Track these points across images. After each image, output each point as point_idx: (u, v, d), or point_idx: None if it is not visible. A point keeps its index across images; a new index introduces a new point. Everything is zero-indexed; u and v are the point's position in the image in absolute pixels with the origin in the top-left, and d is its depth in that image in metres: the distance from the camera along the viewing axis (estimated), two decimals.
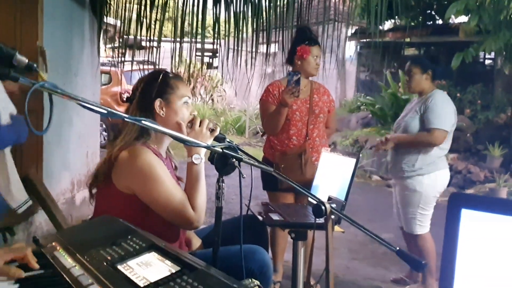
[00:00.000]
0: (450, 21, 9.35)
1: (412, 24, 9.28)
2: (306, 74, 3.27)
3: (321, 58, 3.39)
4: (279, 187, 3.19)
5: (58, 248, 1.31)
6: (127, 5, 4.78)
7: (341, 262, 4.31)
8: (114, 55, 5.05)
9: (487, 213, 0.72)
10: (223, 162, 1.46)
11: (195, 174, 1.84)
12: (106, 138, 9.45)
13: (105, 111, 1.08)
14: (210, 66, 16.62)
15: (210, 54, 15.90)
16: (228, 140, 1.74)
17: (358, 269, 4.22)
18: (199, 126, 1.85)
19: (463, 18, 8.74)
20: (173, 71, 4.62)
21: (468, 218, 0.73)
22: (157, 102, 1.91)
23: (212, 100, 15.44)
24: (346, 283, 3.84)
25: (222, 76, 13.89)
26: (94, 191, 1.95)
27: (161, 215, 1.81)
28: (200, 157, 1.82)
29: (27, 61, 0.98)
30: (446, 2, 9.22)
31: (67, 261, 1.22)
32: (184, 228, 1.94)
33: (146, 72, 4.52)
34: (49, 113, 1.01)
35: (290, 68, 3.37)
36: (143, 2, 4.57)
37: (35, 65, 0.99)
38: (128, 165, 1.81)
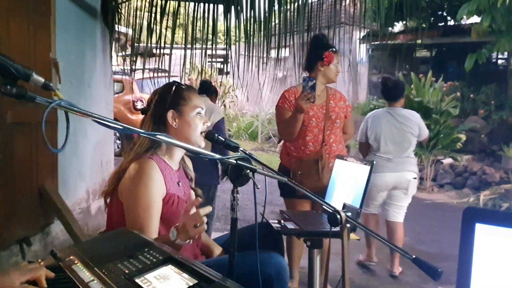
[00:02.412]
0: (462, 21, 9.29)
1: (423, 25, 9.23)
2: (327, 80, 3.27)
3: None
4: (295, 194, 3.18)
5: (76, 261, 1.33)
6: (138, 13, 4.83)
7: (357, 266, 4.30)
8: (125, 64, 5.09)
9: (502, 227, 0.72)
10: (237, 173, 1.46)
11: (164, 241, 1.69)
12: (119, 146, 9.52)
13: (121, 127, 1.09)
14: (221, 72, 16.66)
15: (222, 60, 15.94)
16: (242, 149, 1.74)
17: (374, 274, 4.20)
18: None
19: (474, 19, 8.67)
20: (185, 78, 4.68)
21: (483, 232, 0.73)
22: (170, 114, 1.94)
23: (224, 106, 15.48)
24: None
25: (233, 81, 13.92)
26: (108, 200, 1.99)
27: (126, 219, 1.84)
28: (174, 239, 1.67)
29: (43, 80, 1.00)
30: (457, 3, 9.16)
31: (86, 275, 1.23)
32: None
33: (158, 80, 4.60)
34: (66, 131, 1.02)
35: (305, 74, 3.37)
36: (154, 10, 4.61)
37: (51, 84, 1.00)
38: (131, 178, 1.85)
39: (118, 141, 9.54)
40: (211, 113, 4.27)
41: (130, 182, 1.84)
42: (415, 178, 4.06)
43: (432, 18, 11.15)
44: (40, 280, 1.22)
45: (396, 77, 4.32)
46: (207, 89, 4.53)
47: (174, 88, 1.99)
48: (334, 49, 3.25)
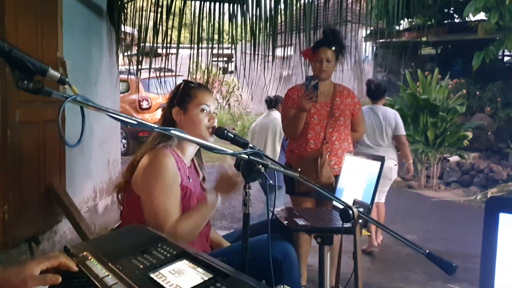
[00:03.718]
0: (467, 19, 9.23)
1: (429, 23, 9.19)
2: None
3: (338, 60, 3.32)
4: (296, 191, 3.19)
5: (89, 257, 1.33)
6: (144, 13, 4.83)
7: (365, 264, 4.29)
8: (131, 63, 5.10)
9: None
10: (249, 168, 1.46)
11: (203, 210, 1.89)
12: (125, 145, 9.53)
13: (136, 122, 1.09)
14: (225, 71, 16.68)
15: (226, 59, 15.97)
16: (251, 145, 1.74)
17: (382, 272, 4.19)
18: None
19: (480, 15, 8.62)
20: (191, 78, 4.68)
21: (507, 222, 0.72)
22: (175, 110, 2.01)
23: (229, 105, 15.49)
24: (370, 286, 3.81)
25: (238, 80, 13.91)
26: (120, 196, 2.01)
27: (144, 213, 1.85)
28: (215, 200, 1.88)
29: (59, 75, 1.00)
30: (462, 0, 9.11)
31: (100, 270, 1.23)
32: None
33: (163, 80, 4.62)
34: (82, 125, 1.02)
35: (309, 72, 3.36)
36: (159, 10, 4.61)
37: (67, 79, 1.01)
38: (145, 167, 1.87)
39: (123, 141, 9.55)
40: (275, 127, 4.97)
41: (146, 172, 1.86)
42: (395, 165, 4.71)
43: (438, 16, 11.09)
44: (66, 265, 1.23)
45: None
46: (270, 103, 5.24)
47: (181, 86, 2.06)
48: (321, 45, 3.20)
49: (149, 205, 1.83)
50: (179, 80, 2.19)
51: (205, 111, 2.01)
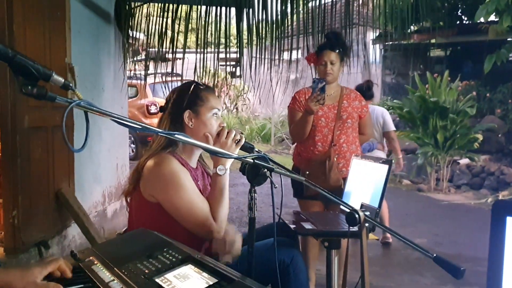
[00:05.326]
0: (478, 21, 9.18)
1: (439, 25, 9.13)
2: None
3: (343, 63, 3.31)
4: (304, 195, 3.17)
5: (95, 262, 1.33)
6: (151, 18, 4.85)
7: (375, 268, 4.26)
8: (139, 68, 5.11)
9: None
10: (254, 172, 1.45)
11: (219, 185, 1.87)
12: (134, 150, 9.57)
13: (140, 127, 1.09)
14: (233, 75, 16.69)
15: (234, 63, 15.99)
16: (256, 149, 1.74)
17: (392, 275, 4.15)
18: (226, 138, 1.87)
19: (491, 17, 8.56)
20: (201, 82, 4.68)
21: None
22: (187, 114, 1.95)
23: (237, 109, 15.50)
24: None
25: (245, 84, 13.93)
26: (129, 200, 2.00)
27: (182, 223, 1.83)
28: (225, 169, 1.86)
29: (63, 80, 1.00)
30: (471, 1, 9.04)
31: (106, 275, 1.23)
32: (204, 238, 1.95)
33: (171, 84, 4.62)
34: (86, 130, 1.03)
35: (316, 75, 3.35)
36: (166, 15, 4.62)
37: (71, 84, 1.01)
38: (152, 172, 1.85)
39: (132, 145, 9.60)
40: None
41: (161, 186, 1.84)
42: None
43: (447, 18, 11.03)
44: (63, 269, 1.24)
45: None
46: None
47: (192, 88, 1.99)
48: (324, 48, 3.19)
49: (186, 218, 1.83)
50: None
51: (216, 115, 1.99)
